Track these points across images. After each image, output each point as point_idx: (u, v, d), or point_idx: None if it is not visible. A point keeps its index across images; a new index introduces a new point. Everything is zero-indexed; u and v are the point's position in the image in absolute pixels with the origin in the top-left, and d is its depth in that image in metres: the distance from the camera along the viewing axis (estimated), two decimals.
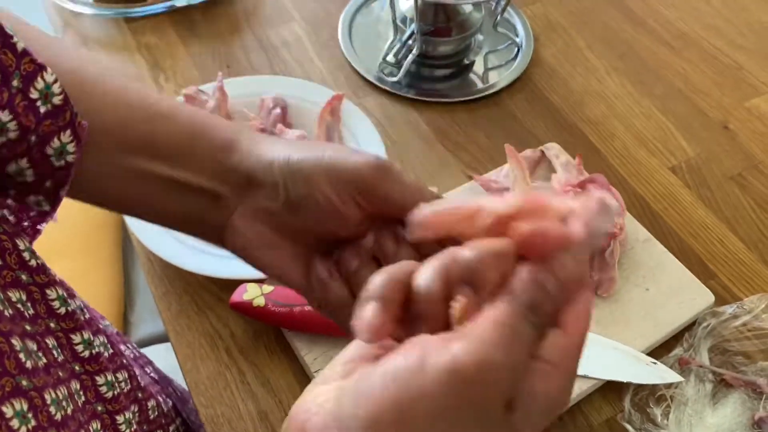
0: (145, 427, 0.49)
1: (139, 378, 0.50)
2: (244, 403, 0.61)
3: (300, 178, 0.40)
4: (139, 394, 0.48)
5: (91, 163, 0.42)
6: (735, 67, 0.93)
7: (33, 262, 0.39)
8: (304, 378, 0.63)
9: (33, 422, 0.33)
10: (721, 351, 0.65)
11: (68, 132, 0.39)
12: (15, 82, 0.37)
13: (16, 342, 0.34)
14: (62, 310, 0.41)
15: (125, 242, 1.11)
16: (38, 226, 0.45)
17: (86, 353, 0.42)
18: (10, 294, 0.37)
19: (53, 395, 0.36)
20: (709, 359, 0.64)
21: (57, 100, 0.38)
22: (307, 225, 0.41)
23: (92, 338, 0.43)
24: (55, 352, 0.39)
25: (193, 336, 0.65)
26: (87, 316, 0.44)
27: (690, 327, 0.66)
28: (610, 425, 0.61)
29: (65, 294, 0.42)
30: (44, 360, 0.37)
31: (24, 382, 0.33)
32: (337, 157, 0.40)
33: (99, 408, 0.43)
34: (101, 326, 0.46)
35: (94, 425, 0.41)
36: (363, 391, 0.27)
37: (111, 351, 0.45)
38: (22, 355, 0.34)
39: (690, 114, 0.87)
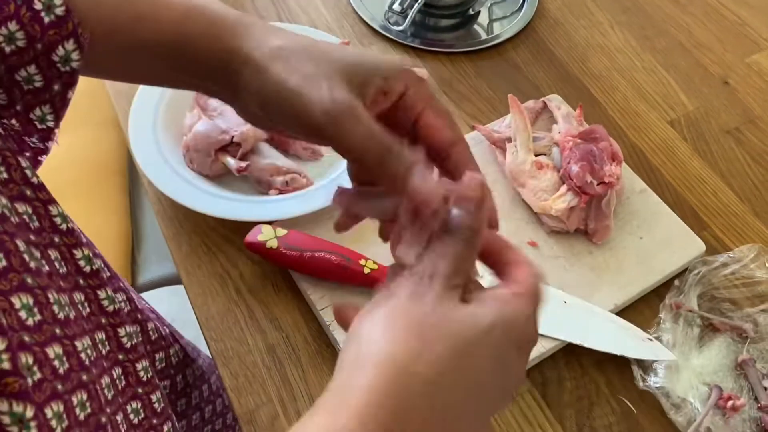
0: (148, 347, 0.52)
1: (136, 302, 0.52)
2: (252, 337, 0.64)
3: (291, 66, 0.40)
4: (138, 316, 0.51)
5: (98, 55, 0.44)
6: (738, 23, 0.93)
7: (35, 180, 0.42)
8: (309, 315, 0.66)
9: (38, 316, 0.35)
10: (709, 298, 0.68)
11: (71, 41, 0.41)
12: None
13: (20, 243, 0.36)
14: (64, 227, 0.43)
15: (132, 186, 1.13)
16: (39, 158, 0.47)
17: (87, 268, 0.45)
18: (17, 205, 0.39)
19: (56, 296, 0.38)
20: (698, 305, 0.67)
21: (59, 11, 0.41)
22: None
23: (92, 257, 0.45)
24: (57, 263, 0.41)
25: (204, 275, 0.68)
26: (85, 239, 0.46)
27: (681, 274, 0.69)
28: (600, 365, 0.64)
29: (65, 214, 0.44)
30: (47, 268, 0.39)
31: (29, 280, 0.36)
32: (329, 51, 0.39)
33: (103, 320, 0.45)
34: (98, 252, 0.48)
35: (99, 335, 0.44)
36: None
37: (108, 273, 0.48)
38: (26, 256, 0.36)
39: (691, 69, 0.88)
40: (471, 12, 0.94)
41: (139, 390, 0.47)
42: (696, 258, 0.69)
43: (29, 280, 0.35)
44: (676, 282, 0.68)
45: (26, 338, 0.34)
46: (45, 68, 0.42)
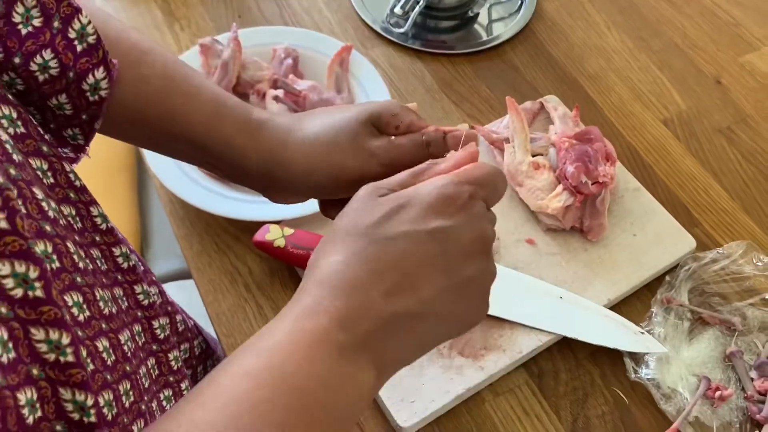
0: (175, 338, 0.54)
1: (167, 295, 0.55)
2: None
3: (311, 181, 0.51)
4: (168, 308, 0.54)
5: (128, 135, 0.48)
6: (732, 23, 0.96)
7: (78, 183, 0.45)
8: None
9: (87, 312, 0.38)
10: (700, 292, 0.71)
11: (101, 68, 0.44)
12: (56, 23, 0.42)
13: (70, 245, 0.39)
14: (104, 226, 0.46)
15: (140, 184, 1.16)
16: (72, 165, 0.50)
17: (125, 265, 0.48)
18: (63, 208, 0.42)
19: (101, 293, 0.41)
20: (688, 299, 0.70)
21: (91, 39, 0.44)
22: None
23: (129, 254, 0.48)
24: (99, 262, 0.44)
25: (214, 273, 0.71)
26: (121, 236, 0.49)
27: (672, 270, 0.71)
28: (594, 357, 0.67)
29: (104, 213, 0.47)
30: (92, 266, 0.42)
31: (78, 279, 0.38)
32: (342, 168, 0.49)
33: (139, 314, 0.48)
34: (132, 248, 0.51)
35: (136, 328, 0.47)
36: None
37: (143, 268, 0.51)
38: (75, 256, 0.39)
39: (685, 69, 0.91)
40: (470, 14, 0.96)
41: (171, 378, 0.50)
42: (687, 254, 0.72)
43: (78, 279, 0.38)
44: (668, 277, 0.70)
45: (80, 333, 0.36)
46: (75, 97, 0.44)
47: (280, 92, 0.78)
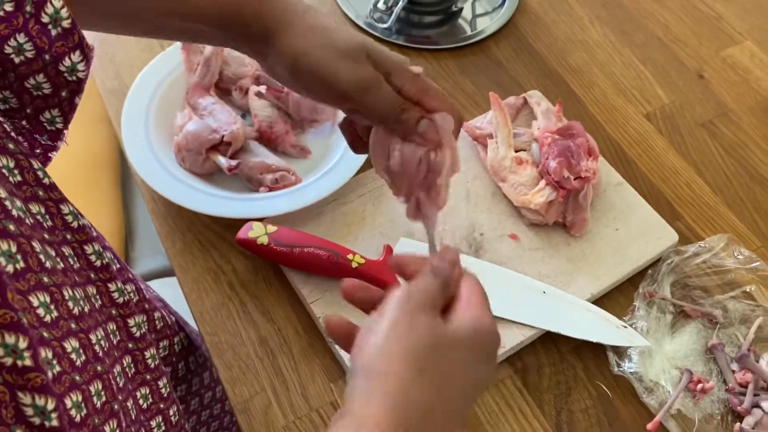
0: (153, 336, 0.54)
1: (144, 292, 0.55)
2: (245, 330, 0.67)
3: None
4: (146, 305, 0.54)
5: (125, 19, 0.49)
6: (714, 17, 0.96)
7: (46, 180, 0.44)
8: (300, 308, 0.68)
9: (55, 313, 0.38)
10: (682, 286, 0.72)
11: (78, 52, 0.44)
12: (28, 8, 0.42)
13: (36, 244, 0.38)
14: (75, 224, 0.46)
15: (124, 181, 1.15)
16: (49, 154, 0.49)
17: (98, 263, 0.47)
18: (31, 206, 0.42)
19: (71, 293, 0.41)
20: (671, 293, 0.70)
21: (66, 23, 0.43)
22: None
23: (102, 251, 0.48)
24: (71, 260, 0.44)
25: (198, 271, 0.71)
26: (95, 233, 0.49)
27: (655, 264, 0.72)
28: (577, 351, 0.67)
29: (76, 211, 0.47)
30: (62, 265, 0.41)
31: (45, 279, 0.38)
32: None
33: (113, 312, 0.48)
34: (107, 244, 0.50)
35: (111, 326, 0.46)
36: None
37: (118, 265, 0.50)
38: (41, 256, 0.38)
39: (667, 63, 0.91)
40: (454, 8, 0.96)
41: (148, 377, 0.50)
42: (669, 248, 0.72)
43: (45, 279, 0.38)
44: (650, 271, 0.71)
45: (45, 334, 0.36)
46: (53, 76, 0.44)
47: (262, 88, 0.78)
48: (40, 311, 0.37)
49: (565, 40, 0.93)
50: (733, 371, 0.66)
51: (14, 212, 0.37)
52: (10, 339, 0.32)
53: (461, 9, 0.97)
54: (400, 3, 0.91)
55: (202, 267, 0.71)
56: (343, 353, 0.64)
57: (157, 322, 0.56)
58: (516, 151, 0.75)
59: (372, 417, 0.36)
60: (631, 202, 0.75)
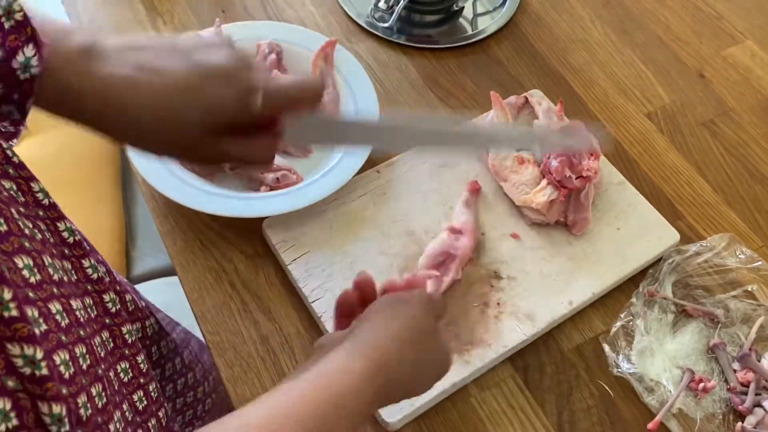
0: (125, 315, 0.54)
1: (114, 275, 0.54)
2: (246, 329, 0.67)
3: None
4: (117, 287, 0.54)
5: None
6: (714, 16, 0.96)
7: (15, 159, 0.44)
8: (301, 306, 0.68)
9: (38, 276, 0.38)
10: (683, 285, 0.72)
11: (31, 45, 0.43)
12: None
13: (14, 212, 0.39)
14: (46, 202, 0.46)
15: (125, 180, 1.15)
16: (11, 142, 0.48)
17: (71, 240, 0.47)
18: (3, 182, 0.41)
19: (49, 260, 0.41)
20: (672, 292, 0.70)
21: (18, 16, 0.42)
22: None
23: (74, 230, 0.48)
24: (47, 233, 0.44)
25: (199, 270, 0.70)
26: (63, 213, 0.48)
27: (656, 263, 0.72)
28: (579, 351, 0.67)
29: (45, 189, 0.46)
30: (39, 236, 0.42)
31: (26, 244, 0.38)
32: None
33: (89, 287, 0.48)
34: (75, 226, 0.50)
35: (87, 300, 0.47)
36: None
37: (89, 247, 0.50)
38: (20, 223, 0.39)
39: (668, 62, 0.91)
40: (455, 7, 0.96)
41: (126, 351, 0.50)
42: (671, 247, 0.72)
43: (27, 244, 0.38)
44: (651, 270, 0.71)
45: (31, 294, 0.36)
46: (4, 76, 0.42)
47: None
48: (25, 272, 0.37)
49: (566, 39, 0.93)
50: (735, 370, 0.66)
51: None
52: None
53: (462, 8, 0.97)
54: (401, 2, 0.91)
55: (203, 266, 0.71)
56: None
57: (129, 304, 0.56)
58: (517, 151, 0.75)
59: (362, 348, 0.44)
60: (633, 202, 0.75)
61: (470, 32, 0.93)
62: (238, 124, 0.46)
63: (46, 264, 0.40)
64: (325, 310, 0.66)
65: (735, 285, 0.71)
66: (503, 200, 0.74)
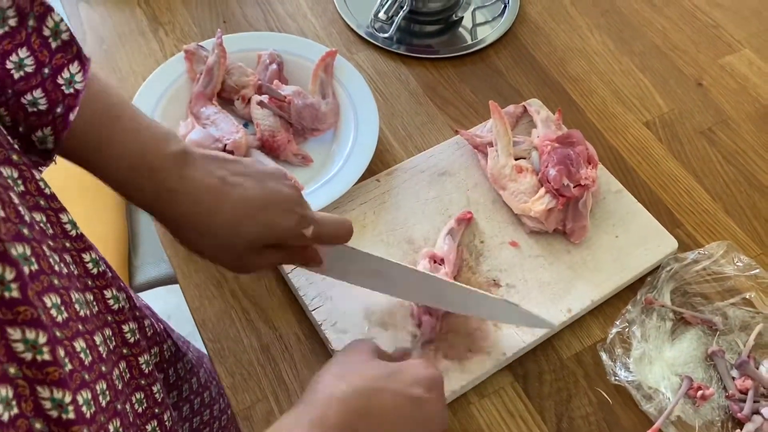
0: (143, 343, 0.55)
1: (134, 300, 0.56)
2: (247, 338, 0.68)
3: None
4: (137, 313, 0.55)
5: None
6: (712, 25, 0.97)
7: (47, 191, 0.45)
8: (302, 315, 0.69)
9: (65, 314, 0.39)
10: (682, 293, 0.72)
11: (76, 63, 0.45)
12: (31, 22, 0.43)
13: (46, 249, 0.39)
14: (73, 233, 0.47)
15: None
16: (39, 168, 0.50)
17: (95, 270, 0.48)
18: (34, 215, 0.42)
19: (76, 296, 0.42)
20: (671, 300, 0.71)
21: (65, 36, 0.45)
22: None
23: (99, 260, 0.49)
24: (72, 266, 0.45)
25: (200, 279, 0.71)
26: (90, 242, 0.50)
27: (655, 271, 0.72)
28: (578, 358, 0.68)
29: (74, 220, 0.47)
30: (66, 270, 0.42)
31: (55, 281, 0.39)
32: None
33: (109, 318, 0.49)
34: (101, 254, 0.51)
35: (107, 332, 0.47)
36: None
37: (112, 273, 0.51)
38: (51, 260, 0.39)
39: (666, 71, 0.92)
40: (455, 18, 0.97)
41: (142, 382, 0.50)
42: (669, 255, 0.73)
43: (56, 281, 0.39)
44: (649, 278, 0.71)
45: (57, 333, 0.37)
46: (50, 91, 0.45)
47: (264, 98, 0.79)
48: (53, 312, 0.38)
49: (565, 48, 0.93)
50: (733, 378, 0.66)
51: (26, 217, 0.38)
52: (30, 335, 0.33)
53: (461, 18, 0.97)
54: (401, 13, 0.92)
55: (204, 275, 0.71)
56: None
57: (147, 329, 0.57)
58: (516, 159, 0.75)
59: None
60: (631, 210, 0.76)
61: (469, 42, 0.94)
62: (282, 243, 0.56)
63: (73, 300, 0.41)
64: (325, 318, 0.67)
65: (733, 292, 0.72)
66: (502, 208, 0.75)
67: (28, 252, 0.36)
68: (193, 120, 0.77)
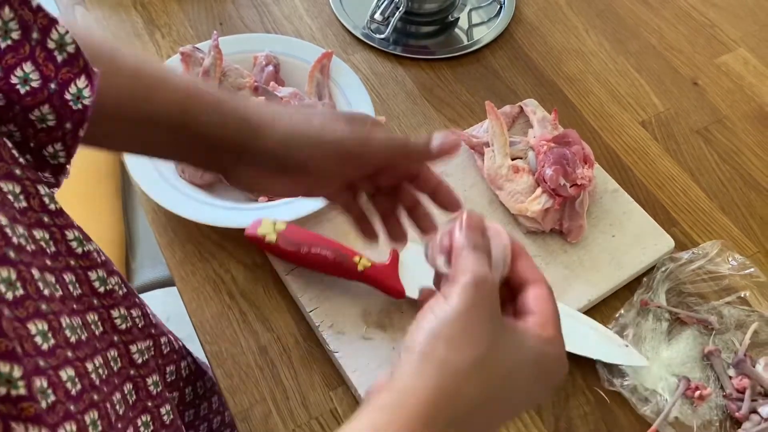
0: (159, 361, 0.54)
1: (151, 317, 0.55)
2: (245, 339, 0.68)
3: (290, 152, 0.50)
4: (152, 330, 0.54)
5: (108, 127, 0.48)
6: (707, 25, 0.97)
7: (53, 206, 0.44)
8: (299, 317, 0.69)
9: (52, 341, 0.38)
10: (677, 292, 0.72)
11: (83, 77, 0.44)
12: (34, 35, 0.41)
13: (35, 272, 0.38)
14: (79, 250, 0.45)
15: (125, 192, 1.16)
16: (51, 190, 0.49)
17: (102, 289, 0.47)
18: (35, 232, 0.41)
19: (68, 321, 0.40)
20: (666, 300, 0.71)
21: (71, 48, 0.43)
22: (299, 184, 0.52)
23: (107, 277, 0.48)
24: (71, 286, 0.44)
25: (198, 281, 0.71)
26: (103, 258, 0.48)
27: (651, 270, 0.72)
28: (575, 358, 0.68)
29: (81, 236, 0.46)
30: (60, 293, 0.41)
31: (43, 306, 0.38)
32: (322, 131, 0.50)
33: (115, 338, 0.48)
34: (115, 269, 0.50)
35: (111, 353, 0.46)
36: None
37: (125, 290, 0.50)
38: (40, 283, 0.38)
39: (662, 70, 0.92)
40: (451, 18, 0.97)
41: (149, 404, 0.49)
42: (666, 254, 0.73)
43: (43, 307, 0.38)
44: (645, 279, 0.71)
45: (41, 363, 0.36)
46: (58, 107, 0.43)
47: (261, 99, 0.79)
48: (38, 339, 0.36)
49: (561, 48, 0.94)
50: (730, 377, 0.67)
51: (15, 239, 0.37)
52: (4, 368, 0.32)
53: (457, 19, 0.98)
54: (397, 14, 0.92)
55: (202, 276, 0.71)
56: (342, 363, 0.64)
57: (164, 347, 0.56)
58: (512, 159, 0.76)
59: (416, 397, 0.37)
60: (627, 209, 0.76)
61: (466, 42, 0.94)
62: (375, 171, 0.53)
63: (63, 326, 0.39)
64: (322, 320, 0.67)
65: (728, 291, 0.72)
66: (498, 208, 0.75)
67: (14, 276, 0.35)
68: None
